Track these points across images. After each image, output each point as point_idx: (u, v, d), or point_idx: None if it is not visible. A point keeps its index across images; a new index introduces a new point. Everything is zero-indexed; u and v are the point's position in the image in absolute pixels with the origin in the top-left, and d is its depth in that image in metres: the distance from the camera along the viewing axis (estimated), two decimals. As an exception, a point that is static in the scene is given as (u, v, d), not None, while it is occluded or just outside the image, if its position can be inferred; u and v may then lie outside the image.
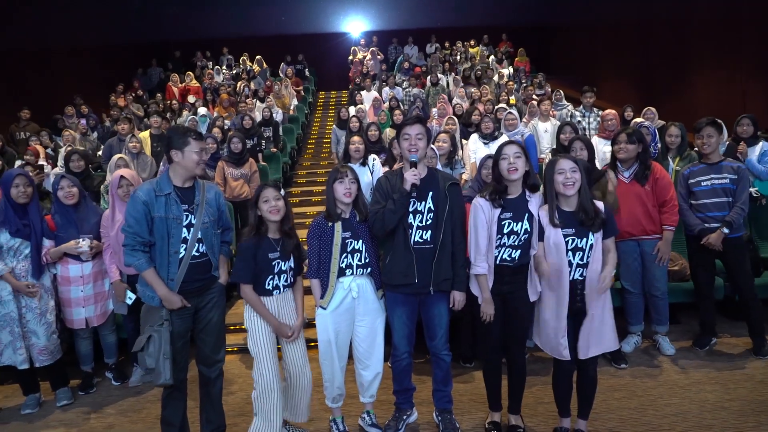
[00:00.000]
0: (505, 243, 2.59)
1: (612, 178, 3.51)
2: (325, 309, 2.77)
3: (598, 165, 4.13)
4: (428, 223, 2.68)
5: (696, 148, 3.81)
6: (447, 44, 13.59)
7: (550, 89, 9.33)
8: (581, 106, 6.43)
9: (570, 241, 2.47)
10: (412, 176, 2.59)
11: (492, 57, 12.51)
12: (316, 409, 3.07)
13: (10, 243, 3.27)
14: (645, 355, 3.69)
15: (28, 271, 3.31)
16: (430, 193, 2.68)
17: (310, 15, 14.81)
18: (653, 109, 5.94)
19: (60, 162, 6.37)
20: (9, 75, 9.37)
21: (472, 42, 13.43)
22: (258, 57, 12.21)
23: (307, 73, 13.18)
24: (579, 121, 6.18)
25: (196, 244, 2.59)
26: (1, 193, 3.37)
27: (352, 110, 7.91)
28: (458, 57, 12.49)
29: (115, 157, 4.54)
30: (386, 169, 4.22)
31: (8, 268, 3.26)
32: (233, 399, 3.42)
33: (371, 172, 4.24)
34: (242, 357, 4.08)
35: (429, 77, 10.32)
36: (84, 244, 3.39)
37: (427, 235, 2.68)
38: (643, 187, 3.46)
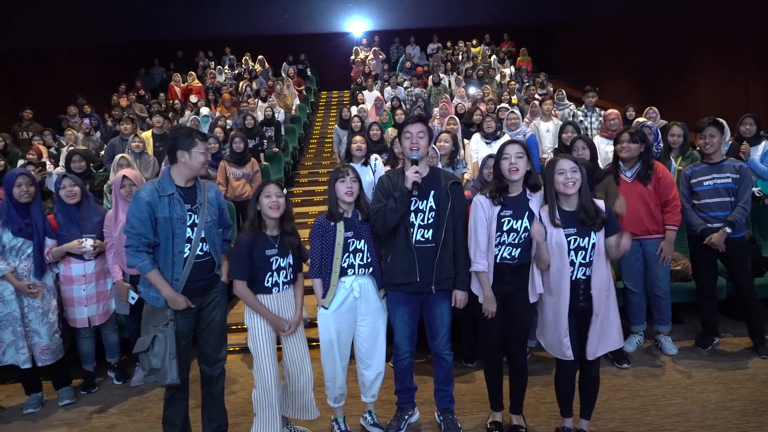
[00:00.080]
0: (504, 241, 2.59)
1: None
2: (326, 309, 2.76)
3: (601, 165, 4.12)
4: (430, 222, 2.68)
5: (698, 148, 3.80)
6: (449, 44, 13.58)
7: (552, 89, 9.31)
8: (583, 106, 6.43)
9: (572, 241, 2.47)
10: (413, 174, 2.58)
11: (494, 56, 12.50)
12: (317, 408, 3.06)
13: (12, 242, 3.27)
14: (647, 355, 3.68)
15: (30, 270, 3.32)
16: (432, 192, 2.68)
17: (312, 15, 14.83)
18: (655, 108, 5.94)
19: (62, 162, 6.38)
20: (9, 75, 9.39)
21: (474, 41, 13.41)
22: (260, 57, 12.24)
23: (309, 73, 13.19)
24: (581, 121, 6.17)
25: (200, 244, 2.60)
26: (3, 193, 3.37)
27: (354, 110, 7.91)
28: (460, 57, 12.47)
29: (118, 156, 4.54)
30: (388, 168, 4.22)
31: (11, 267, 3.26)
32: (235, 398, 3.42)
33: (373, 171, 4.25)
34: (244, 356, 4.08)
35: (431, 77, 10.31)
36: (87, 243, 3.39)
37: (429, 234, 2.67)
38: (646, 187, 3.45)
